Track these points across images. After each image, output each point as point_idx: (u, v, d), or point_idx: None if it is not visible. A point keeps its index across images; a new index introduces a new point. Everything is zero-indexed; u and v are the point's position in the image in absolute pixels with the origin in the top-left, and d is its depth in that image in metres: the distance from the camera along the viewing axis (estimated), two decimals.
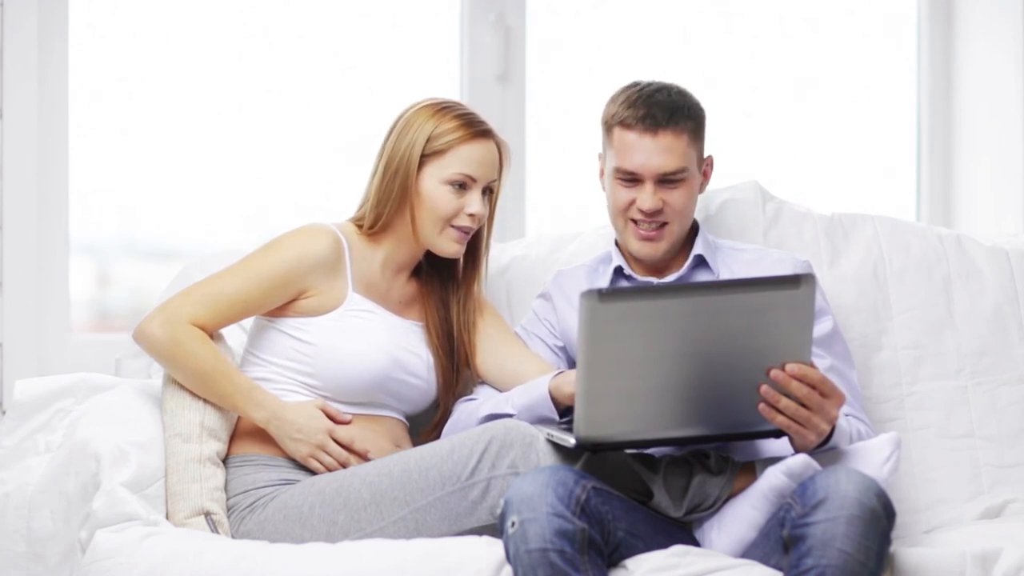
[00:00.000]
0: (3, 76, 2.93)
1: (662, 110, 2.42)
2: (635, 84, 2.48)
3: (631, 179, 2.44)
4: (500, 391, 2.49)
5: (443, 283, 2.53)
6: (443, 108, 2.45)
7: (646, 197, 2.43)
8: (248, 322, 2.53)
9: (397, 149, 2.43)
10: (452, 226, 2.43)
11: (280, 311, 2.42)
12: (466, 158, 2.42)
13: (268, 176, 3.24)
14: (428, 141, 2.42)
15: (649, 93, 2.45)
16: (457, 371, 2.51)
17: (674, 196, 2.45)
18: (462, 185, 2.42)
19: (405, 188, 2.43)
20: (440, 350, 2.49)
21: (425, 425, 2.53)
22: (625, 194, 2.46)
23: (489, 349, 2.52)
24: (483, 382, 2.52)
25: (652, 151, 2.42)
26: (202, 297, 2.37)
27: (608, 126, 2.48)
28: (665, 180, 2.43)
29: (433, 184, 2.42)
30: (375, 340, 2.40)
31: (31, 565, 2.36)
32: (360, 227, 2.47)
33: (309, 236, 2.41)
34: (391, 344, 2.42)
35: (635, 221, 2.46)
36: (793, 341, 2.07)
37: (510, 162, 2.49)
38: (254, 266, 2.39)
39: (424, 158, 2.42)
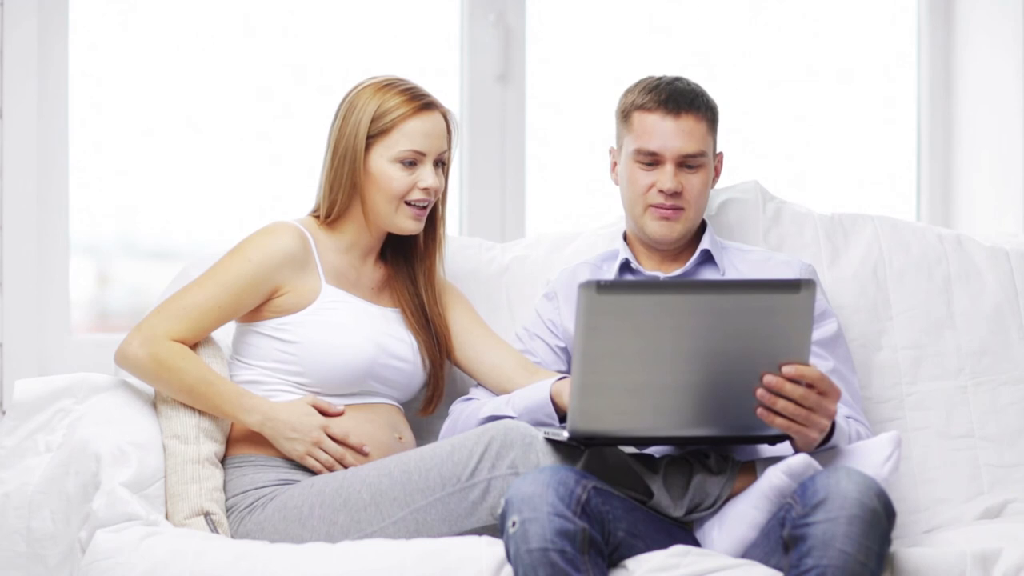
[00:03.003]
0: (3, 76, 2.93)
1: (683, 95, 2.45)
2: (651, 76, 2.51)
3: (652, 161, 2.45)
4: (484, 386, 2.50)
5: (407, 260, 2.52)
6: (384, 86, 2.43)
7: (667, 178, 2.44)
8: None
9: (343, 133, 2.42)
10: (407, 203, 2.42)
11: (258, 313, 2.41)
12: (412, 133, 2.40)
13: (268, 176, 3.24)
14: (373, 121, 2.40)
15: (669, 81, 2.48)
16: (441, 350, 2.50)
17: (692, 181, 2.46)
18: (412, 162, 2.41)
19: (354, 171, 2.41)
20: (421, 329, 2.49)
21: (417, 403, 2.53)
22: (644, 177, 2.47)
23: (462, 334, 2.52)
24: (478, 383, 2.53)
25: (674, 132, 2.44)
26: (176, 311, 2.36)
27: (626, 113, 2.48)
28: (685, 163, 2.45)
29: (383, 164, 2.41)
30: (357, 329, 2.40)
31: (31, 565, 2.35)
32: (319, 219, 2.46)
33: (272, 234, 2.40)
34: (373, 331, 2.42)
35: (653, 205, 2.47)
36: (791, 345, 2.07)
37: (459, 131, 2.48)
38: (222, 273, 2.38)
39: (370, 139, 2.41)
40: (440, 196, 2.47)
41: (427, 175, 2.41)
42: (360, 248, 2.47)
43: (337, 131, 2.43)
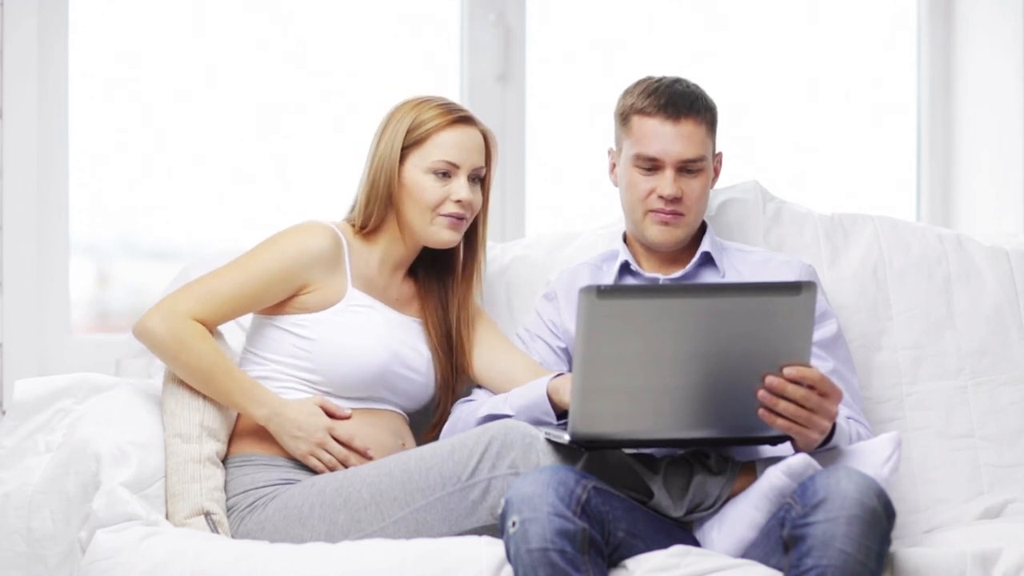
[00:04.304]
0: (3, 76, 2.93)
1: (683, 98, 2.44)
2: (650, 77, 2.49)
3: (651, 166, 2.44)
4: (492, 392, 2.49)
5: (442, 281, 2.52)
6: (423, 100, 2.45)
7: (667, 184, 2.43)
8: (247, 321, 2.53)
9: (380, 146, 2.44)
10: (441, 215, 2.42)
11: (280, 308, 2.41)
12: (446, 144, 2.41)
13: (268, 176, 3.24)
14: (408, 132, 2.42)
15: (668, 83, 2.46)
16: (455, 371, 2.51)
17: (692, 185, 2.45)
18: (445, 173, 2.41)
19: (390, 182, 2.42)
20: (439, 349, 2.49)
21: (425, 425, 2.53)
22: (644, 182, 2.46)
23: (482, 354, 2.51)
24: (478, 385, 2.53)
25: (674, 138, 2.43)
26: (202, 293, 2.37)
27: (625, 116, 2.47)
28: (685, 168, 2.44)
29: (416, 174, 2.41)
30: (375, 334, 2.40)
31: (31, 565, 2.36)
32: (354, 226, 2.47)
33: (308, 232, 2.40)
34: (391, 338, 2.42)
35: (652, 210, 2.46)
36: (792, 347, 2.07)
37: (498, 151, 2.48)
38: (253, 262, 2.38)
39: (405, 150, 2.42)
40: (478, 214, 2.47)
41: (460, 187, 2.41)
42: (392, 261, 2.47)
43: (375, 145, 2.45)
